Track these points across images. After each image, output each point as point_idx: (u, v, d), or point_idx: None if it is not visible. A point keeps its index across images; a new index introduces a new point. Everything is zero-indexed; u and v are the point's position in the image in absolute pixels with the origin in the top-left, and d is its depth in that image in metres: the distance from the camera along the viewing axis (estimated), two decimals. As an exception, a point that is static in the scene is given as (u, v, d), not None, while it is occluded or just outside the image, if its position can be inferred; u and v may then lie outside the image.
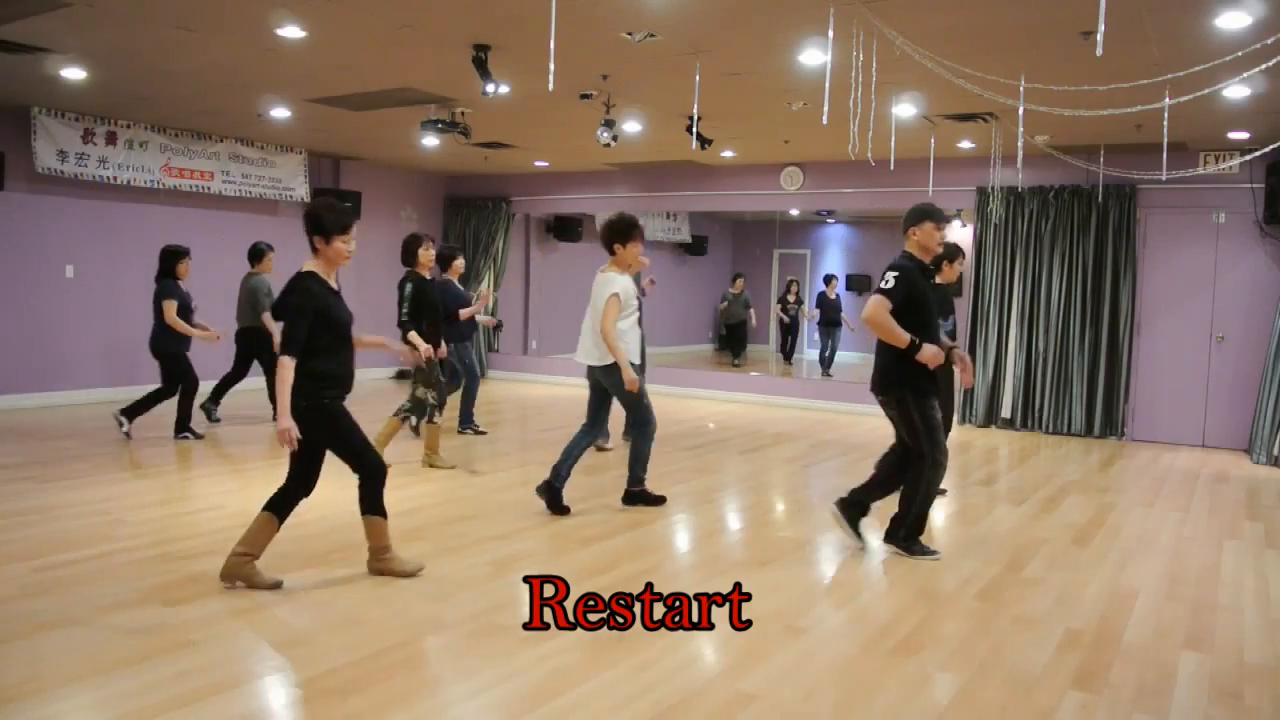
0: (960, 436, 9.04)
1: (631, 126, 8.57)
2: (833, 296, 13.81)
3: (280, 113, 8.56)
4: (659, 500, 5.80)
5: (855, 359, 14.21)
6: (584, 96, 7.28)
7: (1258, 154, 6.96)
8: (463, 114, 8.01)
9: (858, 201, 10.57)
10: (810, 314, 14.39)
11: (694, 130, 7.75)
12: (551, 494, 5.52)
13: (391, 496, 5.73)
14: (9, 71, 7.02)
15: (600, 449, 7.46)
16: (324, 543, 4.77)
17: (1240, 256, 8.75)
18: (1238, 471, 7.70)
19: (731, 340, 15.15)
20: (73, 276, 9.24)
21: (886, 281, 4.63)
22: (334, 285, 4.03)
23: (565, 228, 13.72)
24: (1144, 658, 3.62)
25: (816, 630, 3.80)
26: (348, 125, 9.05)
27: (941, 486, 6.28)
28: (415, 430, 7.60)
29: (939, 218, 4.79)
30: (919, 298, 4.65)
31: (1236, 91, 6.22)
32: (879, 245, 16.63)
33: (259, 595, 3.96)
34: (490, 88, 6.14)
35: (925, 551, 4.84)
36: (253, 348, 8.18)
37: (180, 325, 7.30)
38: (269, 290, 8.13)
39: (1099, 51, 4.00)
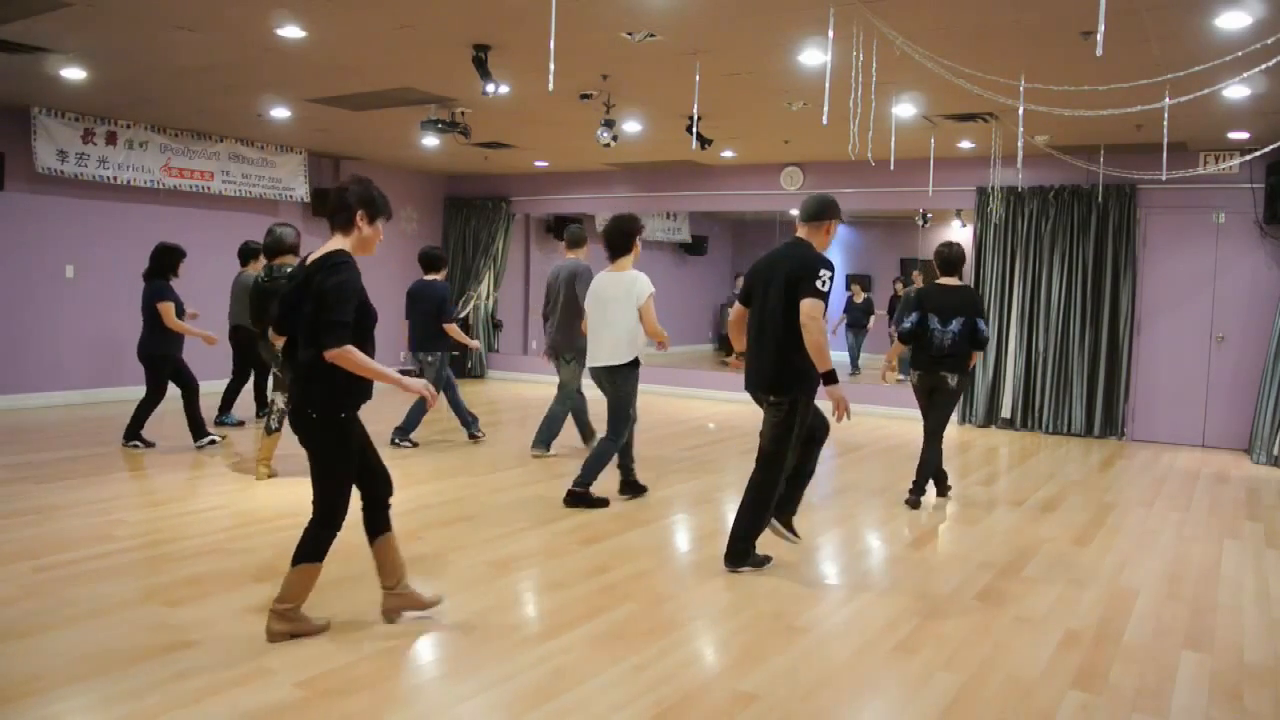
0: (960, 436, 9.04)
1: (631, 126, 8.57)
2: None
3: (280, 113, 8.56)
4: (602, 503, 5.70)
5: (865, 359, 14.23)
6: (584, 96, 7.28)
7: (1258, 154, 6.96)
8: (463, 114, 8.01)
9: (858, 201, 10.57)
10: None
11: (694, 130, 7.75)
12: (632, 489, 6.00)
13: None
14: (9, 71, 7.01)
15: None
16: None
17: (1240, 256, 8.75)
18: (1238, 471, 7.70)
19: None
20: (73, 276, 9.24)
21: (824, 281, 4.14)
22: None
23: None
24: (1144, 658, 3.62)
25: (816, 630, 3.80)
26: (348, 125, 9.05)
27: (949, 484, 6.28)
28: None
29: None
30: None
31: (1236, 91, 6.22)
32: (879, 245, 16.67)
33: (258, 595, 3.96)
34: (490, 88, 6.15)
35: (764, 561, 4.55)
36: (248, 345, 7.87)
37: (180, 326, 6.93)
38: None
39: (1099, 51, 4.00)
